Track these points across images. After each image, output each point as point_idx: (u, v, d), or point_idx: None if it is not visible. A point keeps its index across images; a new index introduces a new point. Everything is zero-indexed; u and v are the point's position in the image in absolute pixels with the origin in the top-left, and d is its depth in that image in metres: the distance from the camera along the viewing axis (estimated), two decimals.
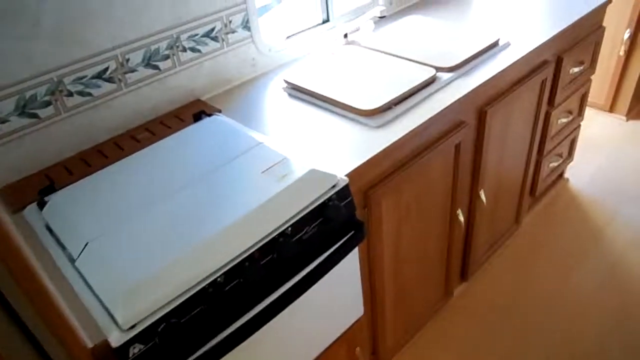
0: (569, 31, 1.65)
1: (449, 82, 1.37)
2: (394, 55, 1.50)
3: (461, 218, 1.55)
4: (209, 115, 1.32)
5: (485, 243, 1.85)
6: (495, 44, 1.51)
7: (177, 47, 1.35)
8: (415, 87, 1.32)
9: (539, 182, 2.00)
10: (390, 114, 1.25)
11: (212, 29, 1.42)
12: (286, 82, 1.44)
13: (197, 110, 1.34)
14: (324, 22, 1.73)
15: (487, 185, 1.63)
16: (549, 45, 1.59)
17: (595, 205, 2.20)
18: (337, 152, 1.16)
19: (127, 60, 1.27)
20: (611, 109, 2.71)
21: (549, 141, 1.91)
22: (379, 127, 1.22)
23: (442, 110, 1.27)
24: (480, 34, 1.56)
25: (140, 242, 0.89)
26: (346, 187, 1.05)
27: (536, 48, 1.52)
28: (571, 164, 2.31)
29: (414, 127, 1.20)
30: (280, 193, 0.96)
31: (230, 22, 1.44)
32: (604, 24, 1.93)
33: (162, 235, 0.89)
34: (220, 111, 1.37)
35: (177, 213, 0.94)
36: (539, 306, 1.82)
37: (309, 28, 1.69)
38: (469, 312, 1.82)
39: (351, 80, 1.39)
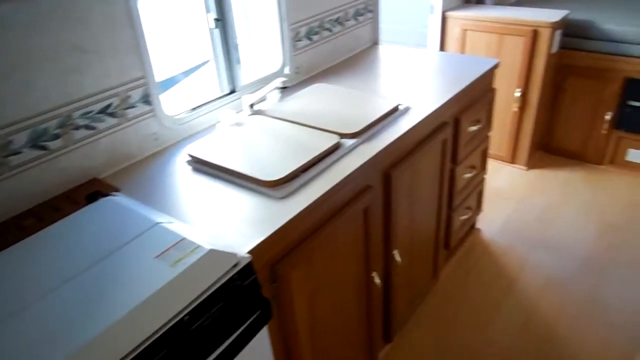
0: (463, 95, 1.77)
1: (353, 148, 1.40)
2: (298, 124, 1.51)
3: (377, 280, 1.54)
4: (105, 195, 1.24)
5: (406, 301, 1.85)
6: (395, 109, 1.58)
7: (69, 125, 1.29)
8: (320, 154, 1.33)
9: (452, 235, 2.06)
10: (294, 184, 1.24)
11: (109, 105, 1.37)
12: (190, 155, 1.40)
13: (91, 191, 1.26)
14: (231, 92, 1.73)
15: (400, 245, 1.65)
16: (446, 108, 1.69)
17: (507, 254, 2.29)
18: (241, 228, 1.12)
19: (10, 142, 1.18)
20: (512, 161, 2.91)
21: (457, 195, 1.99)
22: (283, 198, 1.20)
23: (346, 177, 1.28)
24: (382, 100, 1.62)
25: (11, 350, 0.78)
26: (249, 265, 1.01)
27: (434, 112, 1.61)
28: (482, 214, 2.42)
29: (318, 196, 1.20)
30: (175, 279, 0.90)
31: (128, 97, 1.40)
32: (496, 85, 2.09)
33: (38, 342, 0.79)
34: (118, 190, 1.29)
35: (57, 313, 0.84)
36: None
37: (215, 99, 1.68)
38: None
39: (256, 151, 1.38)
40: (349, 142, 1.41)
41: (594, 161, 2.87)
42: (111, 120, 1.38)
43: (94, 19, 1.27)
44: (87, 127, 1.33)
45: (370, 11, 2.29)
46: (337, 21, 2.12)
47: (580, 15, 2.68)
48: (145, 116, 1.46)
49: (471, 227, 2.39)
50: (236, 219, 1.15)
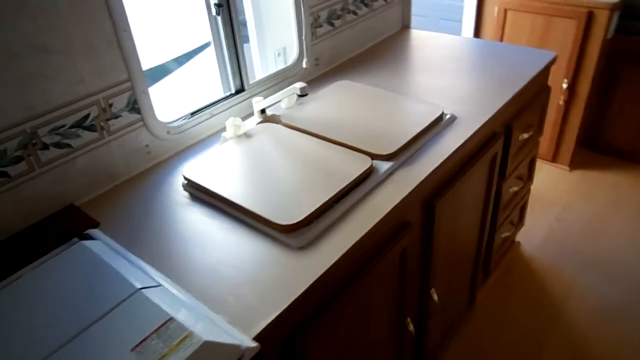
0: (517, 97, 1.46)
1: (389, 175, 1.12)
2: (322, 138, 1.23)
3: (411, 327, 1.29)
4: (79, 234, 0.99)
5: (439, 334, 1.60)
6: (439, 119, 1.29)
7: (35, 145, 1.02)
8: (348, 185, 1.05)
9: (492, 257, 1.79)
10: (316, 228, 0.96)
11: (86, 117, 1.10)
12: (186, 178, 1.13)
13: (63, 227, 1.01)
14: (237, 92, 1.45)
15: (438, 281, 1.38)
16: (498, 115, 1.39)
17: (551, 274, 2.02)
18: (246, 291, 0.86)
19: None
20: (554, 159, 2.60)
21: (501, 213, 1.71)
22: (302, 248, 0.93)
23: (382, 218, 1.00)
24: (422, 106, 1.33)
25: None
26: (258, 356, 0.75)
27: (487, 121, 1.31)
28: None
29: (347, 247, 0.93)
30: None
31: (110, 105, 1.13)
32: None
33: None
34: (97, 224, 1.04)
35: None
36: None
37: (219, 100, 1.40)
38: None
39: (269, 176, 1.10)
40: (383, 165, 1.13)
41: None
42: (89, 135, 1.11)
43: (60, 8, 0.99)
44: (58, 145, 1.06)
45: None
46: (363, 2, 1.80)
47: None
48: (134, 127, 1.19)
49: (510, 242, 2.11)
50: (241, 277, 0.89)
